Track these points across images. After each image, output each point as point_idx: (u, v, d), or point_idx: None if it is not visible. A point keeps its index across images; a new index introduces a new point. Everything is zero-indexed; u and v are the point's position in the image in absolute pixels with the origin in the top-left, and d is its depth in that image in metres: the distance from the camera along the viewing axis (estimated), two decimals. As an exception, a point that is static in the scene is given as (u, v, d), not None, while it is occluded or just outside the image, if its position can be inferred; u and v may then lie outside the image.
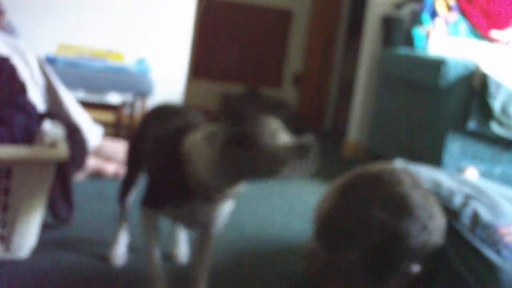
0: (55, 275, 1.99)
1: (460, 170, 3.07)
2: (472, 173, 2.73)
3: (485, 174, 3.21)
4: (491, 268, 1.52)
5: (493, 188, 1.82)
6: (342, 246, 1.52)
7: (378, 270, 1.52)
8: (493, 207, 1.65)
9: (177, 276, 1.99)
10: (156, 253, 1.81)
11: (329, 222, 1.55)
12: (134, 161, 2.10)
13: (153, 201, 1.79)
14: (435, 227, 1.52)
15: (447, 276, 1.57)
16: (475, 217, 1.59)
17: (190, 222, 1.82)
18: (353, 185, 1.57)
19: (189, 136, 1.69)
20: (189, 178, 1.64)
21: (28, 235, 2.07)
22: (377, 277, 1.53)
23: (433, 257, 1.55)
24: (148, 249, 1.81)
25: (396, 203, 1.49)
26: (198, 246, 1.86)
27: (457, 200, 1.64)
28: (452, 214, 1.60)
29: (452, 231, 1.57)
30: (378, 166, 1.62)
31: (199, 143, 1.64)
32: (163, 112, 1.98)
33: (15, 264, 2.02)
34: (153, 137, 1.88)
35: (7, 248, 2.04)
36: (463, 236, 1.57)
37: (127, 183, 2.14)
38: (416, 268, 1.53)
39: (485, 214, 1.60)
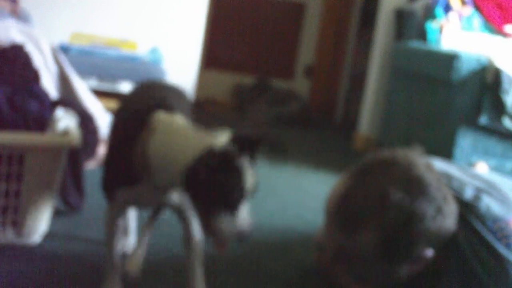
0: (66, 261, 2.00)
1: (471, 165, 3.06)
2: (482, 168, 2.73)
3: (496, 169, 3.20)
4: (501, 261, 1.53)
5: (504, 182, 1.82)
6: (358, 227, 1.52)
7: (393, 252, 1.52)
8: (504, 201, 1.65)
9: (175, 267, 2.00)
10: (116, 245, 1.74)
11: (346, 203, 1.55)
12: None
13: (105, 184, 1.69)
14: (449, 211, 1.53)
15: (458, 266, 1.57)
16: (487, 210, 1.60)
17: (149, 203, 1.75)
18: (369, 168, 1.58)
19: (158, 120, 1.52)
20: (138, 163, 1.51)
21: (39, 221, 2.09)
22: (392, 260, 1.54)
23: (445, 245, 1.56)
24: (108, 239, 1.75)
25: (412, 184, 1.50)
26: (184, 237, 1.74)
27: (469, 193, 1.65)
28: (463, 206, 1.60)
29: (464, 223, 1.58)
30: (392, 151, 1.62)
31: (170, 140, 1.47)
32: (143, 88, 1.85)
33: (27, 249, 2.04)
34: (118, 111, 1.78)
35: (19, 234, 2.06)
36: (475, 228, 1.57)
37: None
38: (429, 253, 1.54)
39: (496, 208, 1.61)
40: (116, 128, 1.73)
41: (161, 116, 1.51)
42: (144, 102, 1.66)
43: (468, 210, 1.60)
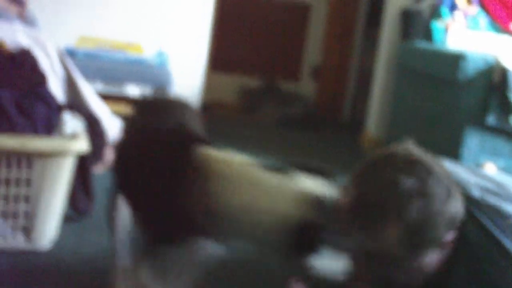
0: (75, 267, 2.01)
1: (479, 165, 3.05)
2: (490, 169, 2.72)
3: (505, 169, 3.19)
4: (510, 259, 1.52)
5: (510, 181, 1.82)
6: (379, 224, 1.52)
7: (418, 239, 1.51)
8: None
9: None
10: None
11: (360, 206, 1.55)
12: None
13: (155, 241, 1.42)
14: (457, 193, 1.53)
15: (467, 264, 1.57)
16: (495, 208, 1.60)
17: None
18: (371, 167, 1.58)
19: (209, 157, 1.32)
20: (196, 214, 1.29)
21: (49, 227, 2.10)
22: (418, 248, 1.53)
23: (453, 241, 1.56)
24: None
25: (416, 168, 1.51)
26: None
27: (476, 191, 1.65)
28: (472, 203, 1.60)
29: (473, 220, 1.58)
30: (387, 147, 1.64)
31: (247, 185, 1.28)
32: (157, 109, 1.65)
33: (36, 255, 2.05)
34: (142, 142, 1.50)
35: (29, 239, 2.07)
36: (483, 225, 1.57)
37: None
38: (450, 236, 1.53)
39: (505, 206, 1.61)
40: (141, 167, 1.44)
41: (208, 155, 1.33)
42: (171, 133, 1.45)
43: (476, 207, 1.60)
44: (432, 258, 1.56)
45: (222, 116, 5.58)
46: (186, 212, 1.28)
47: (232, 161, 1.31)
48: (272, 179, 1.28)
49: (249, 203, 1.25)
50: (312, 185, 1.29)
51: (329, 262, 1.33)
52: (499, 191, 1.68)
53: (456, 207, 1.53)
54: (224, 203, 1.26)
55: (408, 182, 1.48)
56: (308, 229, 1.25)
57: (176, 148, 1.36)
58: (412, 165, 1.52)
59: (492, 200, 1.62)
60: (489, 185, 1.72)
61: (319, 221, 1.25)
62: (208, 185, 1.27)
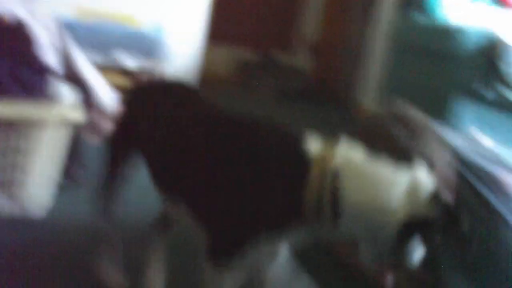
0: (68, 235, 2.02)
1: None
2: (486, 142, 2.74)
3: (500, 143, 3.20)
4: (497, 218, 1.56)
5: (507, 154, 1.85)
6: None
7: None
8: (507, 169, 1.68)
9: None
10: None
11: None
12: (122, 147, 1.70)
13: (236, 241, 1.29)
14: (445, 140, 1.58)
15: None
16: (487, 171, 1.63)
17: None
18: (361, 128, 1.64)
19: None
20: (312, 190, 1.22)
21: (43, 195, 2.11)
22: None
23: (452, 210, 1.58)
24: None
25: (403, 119, 1.58)
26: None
27: (472, 156, 1.68)
28: (467, 167, 1.63)
29: (466, 183, 1.61)
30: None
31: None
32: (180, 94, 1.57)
33: (30, 224, 2.06)
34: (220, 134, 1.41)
35: (23, 207, 2.08)
36: (476, 188, 1.60)
37: (111, 177, 1.75)
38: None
39: (495, 170, 1.64)
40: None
41: (321, 148, 1.32)
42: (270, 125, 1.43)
43: (471, 171, 1.63)
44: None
45: (218, 89, 5.56)
46: (298, 208, 1.23)
47: (349, 155, 1.28)
48: (391, 173, 1.23)
49: (368, 198, 1.20)
50: (426, 178, 1.24)
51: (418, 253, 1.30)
52: (492, 157, 1.72)
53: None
54: (343, 199, 1.21)
55: (399, 131, 1.52)
56: (422, 225, 1.21)
57: (286, 143, 1.34)
58: (396, 117, 1.57)
59: (485, 165, 1.66)
60: (483, 152, 1.75)
61: (432, 216, 1.21)
62: (326, 181, 1.23)
